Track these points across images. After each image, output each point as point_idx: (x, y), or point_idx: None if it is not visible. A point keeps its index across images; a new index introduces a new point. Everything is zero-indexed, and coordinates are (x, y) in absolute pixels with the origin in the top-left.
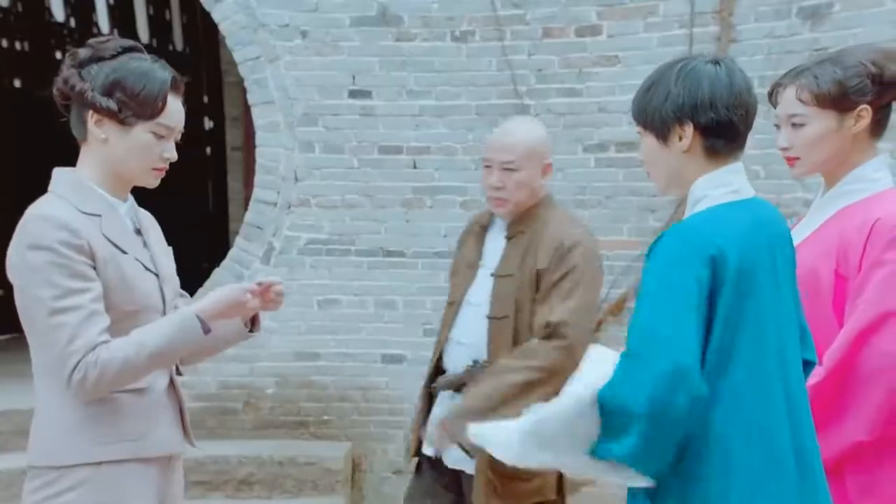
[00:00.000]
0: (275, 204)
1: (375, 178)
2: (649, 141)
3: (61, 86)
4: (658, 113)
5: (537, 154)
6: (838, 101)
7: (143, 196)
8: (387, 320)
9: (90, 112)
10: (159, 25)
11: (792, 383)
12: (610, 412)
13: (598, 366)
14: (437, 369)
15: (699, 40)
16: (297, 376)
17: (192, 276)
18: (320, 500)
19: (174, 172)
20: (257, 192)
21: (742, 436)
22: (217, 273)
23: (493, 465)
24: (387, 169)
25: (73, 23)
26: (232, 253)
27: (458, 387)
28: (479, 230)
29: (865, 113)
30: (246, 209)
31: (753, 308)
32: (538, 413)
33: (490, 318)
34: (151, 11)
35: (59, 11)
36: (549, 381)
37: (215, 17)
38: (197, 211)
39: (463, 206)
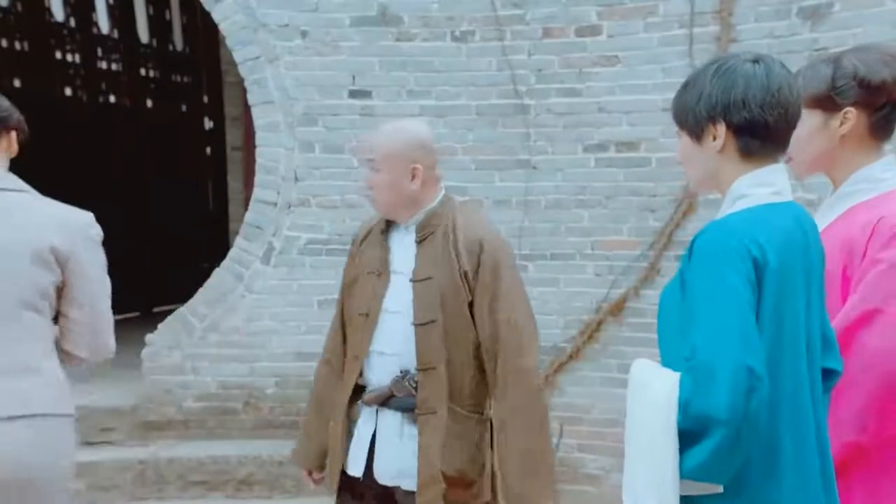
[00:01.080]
0: (275, 204)
1: None
2: (685, 140)
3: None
4: (692, 112)
5: (399, 157)
6: (821, 101)
7: (143, 196)
8: None
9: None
10: (159, 25)
11: (817, 390)
12: (686, 426)
13: (654, 386)
14: (357, 386)
15: (699, 40)
16: (297, 376)
17: (193, 276)
18: (320, 500)
19: (175, 172)
20: (257, 192)
21: (785, 444)
22: (217, 273)
23: (445, 475)
24: None
25: (73, 23)
26: (232, 253)
27: (385, 400)
28: (380, 235)
29: (851, 115)
30: (246, 209)
31: (791, 313)
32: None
33: (416, 325)
34: (151, 11)
35: (58, 11)
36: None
37: (215, 17)
38: (197, 211)
39: None
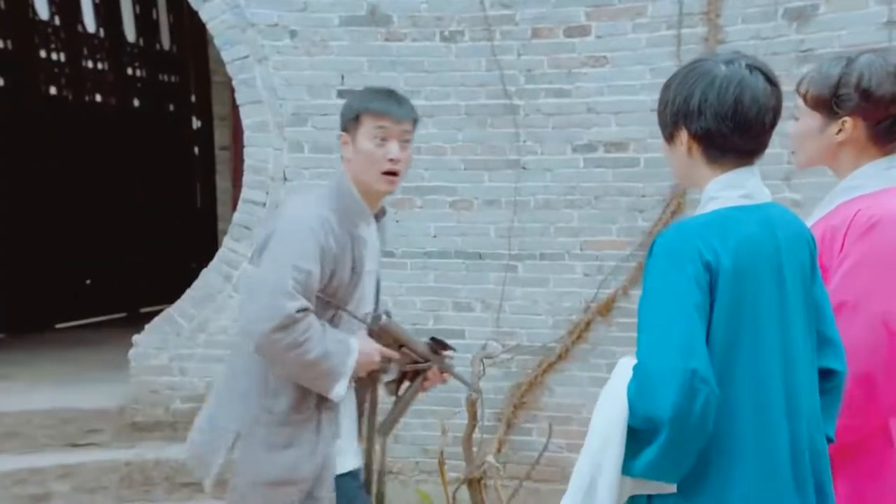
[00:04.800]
0: (263, 204)
1: None
2: (662, 140)
3: None
4: (662, 115)
5: None
6: (822, 105)
7: (130, 196)
8: None
9: None
10: (146, 24)
11: (796, 391)
12: (633, 427)
13: (615, 382)
14: None
15: (687, 41)
16: None
17: (180, 277)
18: None
19: (162, 172)
20: (246, 192)
21: (745, 444)
22: (205, 273)
23: None
24: None
25: (57, 21)
26: (220, 253)
27: None
28: None
29: (849, 125)
30: (234, 209)
31: (752, 316)
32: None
33: None
34: (138, 10)
35: (43, 9)
36: None
37: (203, 16)
38: (185, 211)
39: (452, 206)
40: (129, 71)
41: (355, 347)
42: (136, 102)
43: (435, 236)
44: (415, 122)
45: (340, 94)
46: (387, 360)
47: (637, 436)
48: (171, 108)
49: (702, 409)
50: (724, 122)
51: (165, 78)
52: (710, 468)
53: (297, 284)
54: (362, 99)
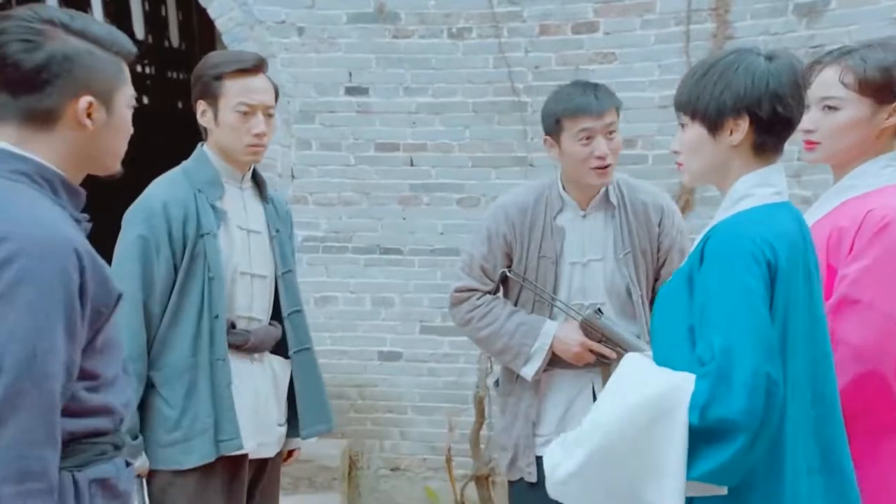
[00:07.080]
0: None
1: (372, 176)
2: (696, 131)
3: None
4: (715, 102)
5: None
6: (879, 89)
7: (138, 193)
8: (384, 318)
9: None
10: (155, 21)
11: (820, 384)
12: (702, 430)
13: (648, 383)
14: None
15: (696, 37)
16: None
17: None
18: (316, 497)
19: (168, 169)
20: None
21: (788, 443)
22: None
23: None
24: (383, 166)
25: None
26: None
27: None
28: None
29: None
30: None
31: (794, 314)
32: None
33: None
34: (147, 7)
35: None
36: None
37: (211, 13)
38: None
39: (459, 203)
40: (139, 68)
41: (550, 332)
42: (145, 100)
43: (442, 233)
44: (617, 109)
45: (348, 91)
46: (597, 354)
47: (696, 440)
48: (180, 105)
49: (773, 412)
50: (800, 107)
51: (174, 75)
52: (760, 467)
53: (465, 266)
54: (559, 100)
